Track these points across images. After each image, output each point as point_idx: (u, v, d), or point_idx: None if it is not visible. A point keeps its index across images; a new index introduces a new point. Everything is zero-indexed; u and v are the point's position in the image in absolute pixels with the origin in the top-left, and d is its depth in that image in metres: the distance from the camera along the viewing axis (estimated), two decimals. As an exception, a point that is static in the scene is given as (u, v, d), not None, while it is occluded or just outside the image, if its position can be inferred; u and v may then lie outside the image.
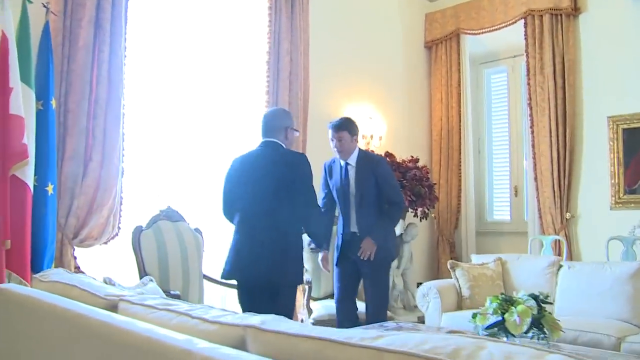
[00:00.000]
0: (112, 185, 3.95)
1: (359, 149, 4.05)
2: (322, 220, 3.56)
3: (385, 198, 3.93)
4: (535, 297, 2.79)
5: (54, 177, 3.56)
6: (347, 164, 3.98)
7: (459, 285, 4.33)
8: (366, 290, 3.96)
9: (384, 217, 3.93)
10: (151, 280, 2.70)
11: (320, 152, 4.73)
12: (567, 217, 5.71)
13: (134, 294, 1.93)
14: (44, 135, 3.47)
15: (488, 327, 2.75)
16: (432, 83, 6.86)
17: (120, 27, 4.00)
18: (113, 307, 1.81)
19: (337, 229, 4.11)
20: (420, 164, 5.81)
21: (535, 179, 5.87)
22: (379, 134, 6.02)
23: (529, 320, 2.66)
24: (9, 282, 3.25)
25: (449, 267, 4.43)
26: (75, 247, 3.85)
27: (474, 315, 2.86)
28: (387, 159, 5.61)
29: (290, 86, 5.15)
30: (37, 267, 3.41)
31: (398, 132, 6.33)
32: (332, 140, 3.94)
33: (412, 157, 5.89)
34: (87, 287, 1.99)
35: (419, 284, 4.86)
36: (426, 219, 6.17)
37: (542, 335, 2.76)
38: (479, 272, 4.32)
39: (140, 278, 3.40)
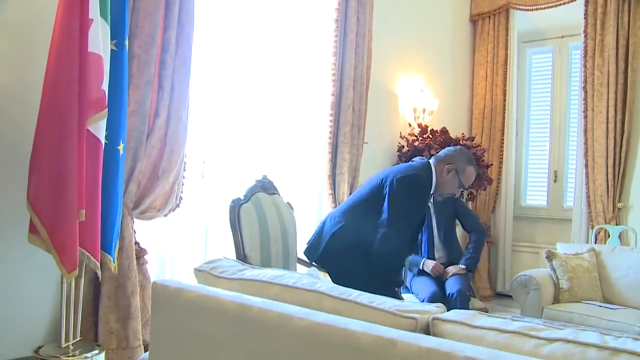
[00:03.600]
0: (179, 147, 3.21)
1: None
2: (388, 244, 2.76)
3: (470, 227, 3.97)
4: None
5: (125, 134, 2.79)
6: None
7: (556, 277, 3.82)
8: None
9: (477, 248, 3.89)
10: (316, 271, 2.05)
11: (377, 119, 4.73)
12: (619, 207, 5.27)
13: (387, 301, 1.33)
14: (116, 82, 2.69)
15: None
16: (476, 59, 6.26)
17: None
18: (424, 328, 1.40)
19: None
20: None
21: (586, 165, 5.39)
22: (430, 108, 5.41)
23: None
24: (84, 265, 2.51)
25: (545, 256, 3.91)
26: (135, 219, 3.11)
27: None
28: (443, 136, 5.06)
29: (356, 49, 4.47)
30: (104, 243, 2.67)
31: (444, 108, 5.73)
32: None
33: (463, 134, 5.35)
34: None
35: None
36: (473, 201, 5.67)
37: None
38: (576, 263, 3.81)
39: (238, 259, 2.72)
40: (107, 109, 2.51)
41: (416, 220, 2.92)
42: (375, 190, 2.89)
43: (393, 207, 2.76)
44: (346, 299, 1.54)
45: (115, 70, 2.67)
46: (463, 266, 3.68)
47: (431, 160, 2.99)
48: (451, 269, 3.69)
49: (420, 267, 3.71)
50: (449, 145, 4.89)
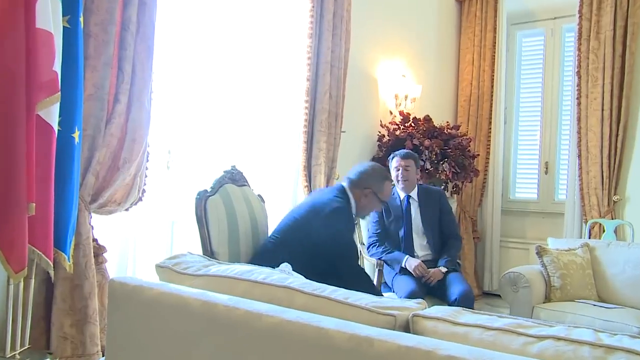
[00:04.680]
0: (141, 136, 3.16)
1: (417, 183, 4.02)
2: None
3: (448, 232, 3.93)
4: None
5: (81, 121, 2.74)
6: (408, 198, 3.94)
7: (547, 274, 3.85)
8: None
9: (454, 252, 3.87)
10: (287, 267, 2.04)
11: (355, 106, 4.79)
12: (615, 200, 5.35)
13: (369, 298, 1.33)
14: (70, 62, 2.63)
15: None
16: (462, 42, 6.30)
17: None
18: (404, 326, 1.42)
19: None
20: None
21: (579, 156, 5.45)
22: (412, 95, 5.42)
23: None
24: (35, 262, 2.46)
25: (535, 252, 3.93)
26: (92, 214, 3.05)
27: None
28: (426, 124, 5.09)
29: (333, 31, 4.46)
30: (58, 240, 2.62)
31: (427, 95, 5.75)
32: (397, 169, 3.91)
33: (447, 123, 5.39)
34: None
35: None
36: (458, 194, 5.72)
37: None
38: (568, 259, 3.85)
39: (205, 253, 2.72)
40: (59, 93, 2.46)
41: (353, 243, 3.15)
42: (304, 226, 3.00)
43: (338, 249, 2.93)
44: (320, 295, 1.53)
45: (69, 49, 2.61)
46: (443, 268, 3.69)
47: (345, 184, 3.19)
48: (432, 274, 3.67)
49: (403, 265, 3.71)
50: (432, 135, 4.95)
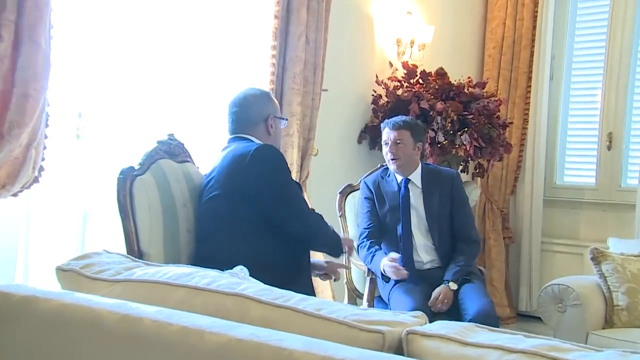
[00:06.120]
0: (37, 91, 3.12)
1: (422, 162, 4.10)
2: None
3: (458, 232, 3.98)
4: None
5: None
6: (406, 182, 3.98)
7: (608, 288, 3.93)
8: None
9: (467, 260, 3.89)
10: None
11: (342, 56, 4.86)
12: None
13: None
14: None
15: None
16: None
17: None
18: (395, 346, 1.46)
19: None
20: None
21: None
22: (421, 39, 5.46)
23: None
24: None
25: (590, 256, 4.02)
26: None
27: None
28: (439, 81, 5.14)
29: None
30: None
31: (441, 40, 5.80)
32: (386, 143, 3.96)
33: (469, 79, 5.44)
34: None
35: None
36: (482, 177, 5.79)
37: None
38: (638, 267, 3.93)
39: (130, 254, 2.74)
40: None
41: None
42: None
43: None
44: (282, 306, 1.57)
45: None
46: (453, 285, 3.71)
47: (239, 135, 3.31)
48: (436, 294, 3.69)
49: (383, 272, 3.74)
50: (447, 96, 4.98)
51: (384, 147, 3.98)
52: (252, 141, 3.26)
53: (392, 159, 3.93)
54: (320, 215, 3.35)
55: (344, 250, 3.48)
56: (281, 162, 3.21)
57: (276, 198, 3.11)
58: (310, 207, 3.49)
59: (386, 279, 3.77)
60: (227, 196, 3.08)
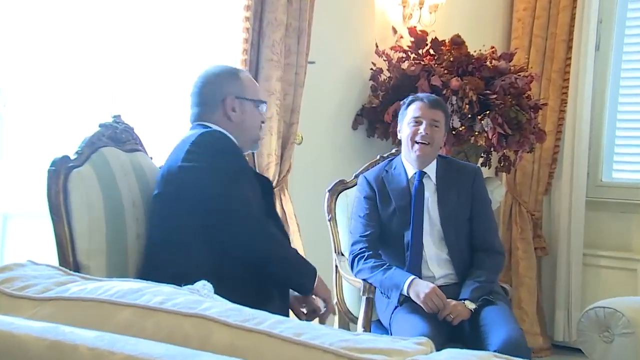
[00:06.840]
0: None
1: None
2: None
3: (478, 241, 4.01)
4: None
5: None
6: (421, 175, 3.99)
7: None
8: None
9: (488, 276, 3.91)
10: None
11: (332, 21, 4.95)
12: None
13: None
14: None
15: None
16: None
17: None
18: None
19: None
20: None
21: None
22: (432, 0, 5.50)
23: None
24: None
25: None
26: None
27: None
28: (455, 51, 5.17)
29: None
30: None
31: (459, 1, 5.84)
32: (418, 122, 3.93)
33: (493, 49, 5.47)
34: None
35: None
36: (508, 173, 5.83)
37: None
38: None
39: (64, 265, 2.76)
40: None
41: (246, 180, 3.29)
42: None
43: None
44: (254, 330, 1.57)
45: None
46: (471, 304, 3.74)
47: (196, 122, 3.34)
48: (454, 307, 3.69)
49: (405, 292, 3.74)
50: (465, 71, 5.02)
51: (408, 126, 3.96)
52: (209, 128, 3.28)
53: (422, 143, 3.90)
54: (283, 234, 3.35)
55: (311, 290, 3.31)
56: (220, 159, 3.15)
57: (211, 212, 3.06)
58: (277, 216, 3.53)
59: (390, 297, 3.78)
60: (168, 197, 3.10)
